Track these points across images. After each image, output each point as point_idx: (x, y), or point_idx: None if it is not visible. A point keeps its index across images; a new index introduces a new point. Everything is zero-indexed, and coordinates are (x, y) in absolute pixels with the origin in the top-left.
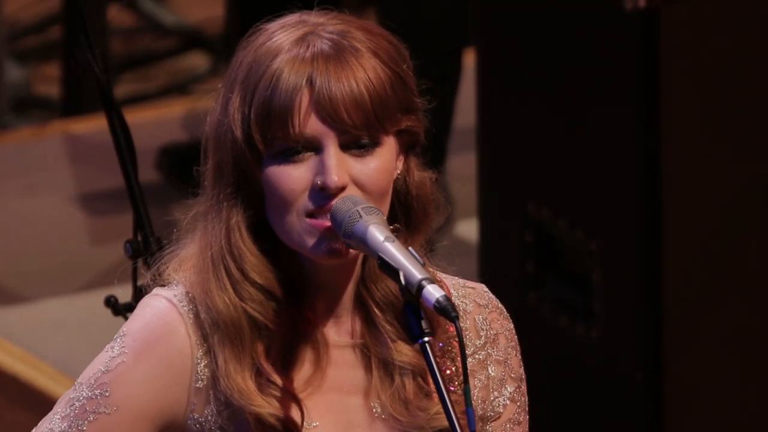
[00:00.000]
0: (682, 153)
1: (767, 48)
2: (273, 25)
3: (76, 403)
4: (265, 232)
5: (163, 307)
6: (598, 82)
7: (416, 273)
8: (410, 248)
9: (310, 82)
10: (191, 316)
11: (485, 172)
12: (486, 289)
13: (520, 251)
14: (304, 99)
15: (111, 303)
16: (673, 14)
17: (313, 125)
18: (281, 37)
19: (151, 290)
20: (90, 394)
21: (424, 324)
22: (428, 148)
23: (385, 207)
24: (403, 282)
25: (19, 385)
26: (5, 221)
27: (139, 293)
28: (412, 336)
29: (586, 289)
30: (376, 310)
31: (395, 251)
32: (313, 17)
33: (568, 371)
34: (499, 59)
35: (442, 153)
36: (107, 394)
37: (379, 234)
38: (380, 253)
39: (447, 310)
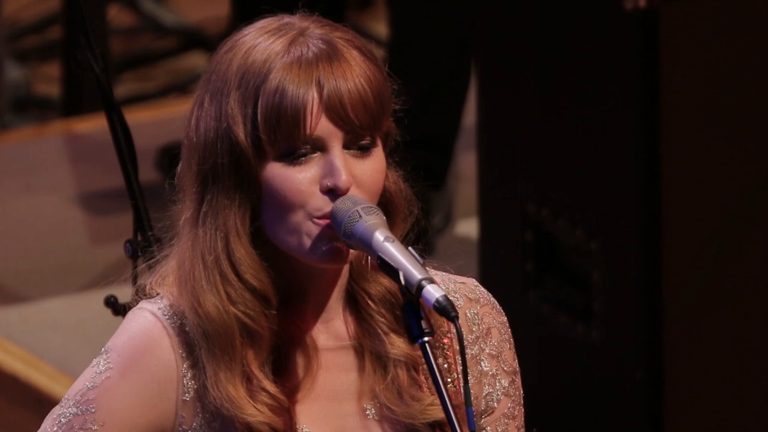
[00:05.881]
0: (682, 153)
1: (767, 48)
2: (250, 29)
3: (63, 420)
4: (260, 237)
5: (147, 321)
6: (598, 82)
7: (416, 273)
8: (410, 248)
9: (319, 84)
10: (175, 328)
11: (485, 172)
12: (476, 283)
13: (520, 251)
14: (315, 102)
15: (111, 303)
16: (673, 14)
17: (323, 126)
18: (271, 41)
19: (135, 303)
20: (76, 410)
21: (423, 324)
22: (437, 150)
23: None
24: (402, 282)
25: (18, 385)
26: (5, 221)
27: (138, 293)
28: (412, 336)
29: (586, 289)
30: (370, 303)
31: (395, 251)
32: (297, 21)
33: (567, 371)
34: (499, 59)
35: (449, 155)
36: (93, 410)
37: (379, 234)
38: (380, 253)
39: (447, 310)
